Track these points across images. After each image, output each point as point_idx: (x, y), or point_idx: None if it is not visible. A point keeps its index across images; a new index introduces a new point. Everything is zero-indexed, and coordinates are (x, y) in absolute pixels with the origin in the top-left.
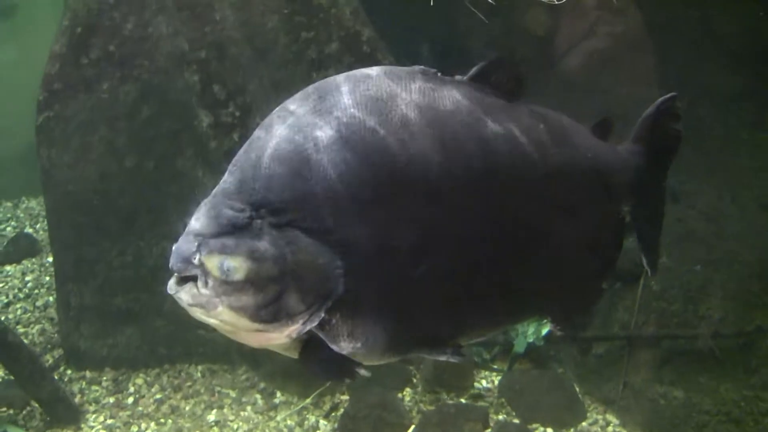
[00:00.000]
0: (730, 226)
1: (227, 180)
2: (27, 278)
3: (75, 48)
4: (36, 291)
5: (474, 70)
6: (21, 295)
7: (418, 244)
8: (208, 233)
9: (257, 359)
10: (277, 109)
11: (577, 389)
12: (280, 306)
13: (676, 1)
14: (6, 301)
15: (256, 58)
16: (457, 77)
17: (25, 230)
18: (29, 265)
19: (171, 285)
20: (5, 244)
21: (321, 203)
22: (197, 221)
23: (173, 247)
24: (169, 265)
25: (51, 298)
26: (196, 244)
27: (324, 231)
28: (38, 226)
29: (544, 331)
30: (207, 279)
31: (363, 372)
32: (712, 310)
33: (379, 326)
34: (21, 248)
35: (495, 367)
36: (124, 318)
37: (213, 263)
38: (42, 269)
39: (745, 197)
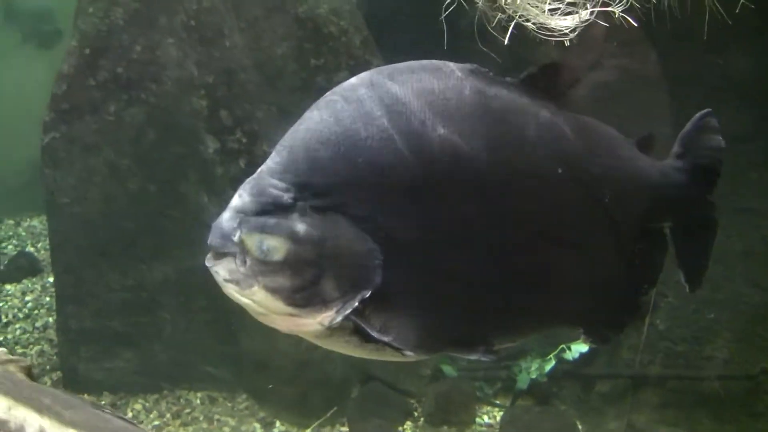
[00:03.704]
0: (737, 267)
1: (273, 158)
2: (27, 298)
3: (83, 69)
4: (36, 311)
5: (525, 72)
6: (21, 315)
7: (457, 241)
8: (249, 211)
9: (258, 388)
10: (330, 92)
11: (580, 427)
12: (315, 291)
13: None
14: (5, 320)
15: (265, 84)
16: (508, 78)
17: (27, 249)
18: (30, 285)
19: (208, 258)
20: (6, 262)
21: (366, 190)
22: (239, 198)
23: (213, 223)
24: (208, 241)
25: (51, 319)
26: (236, 221)
27: (366, 219)
28: (40, 245)
29: (548, 367)
30: (245, 257)
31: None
32: (718, 352)
33: (412, 321)
34: (22, 267)
35: (497, 402)
36: (123, 342)
37: (252, 242)
38: (42, 289)
39: (753, 238)
